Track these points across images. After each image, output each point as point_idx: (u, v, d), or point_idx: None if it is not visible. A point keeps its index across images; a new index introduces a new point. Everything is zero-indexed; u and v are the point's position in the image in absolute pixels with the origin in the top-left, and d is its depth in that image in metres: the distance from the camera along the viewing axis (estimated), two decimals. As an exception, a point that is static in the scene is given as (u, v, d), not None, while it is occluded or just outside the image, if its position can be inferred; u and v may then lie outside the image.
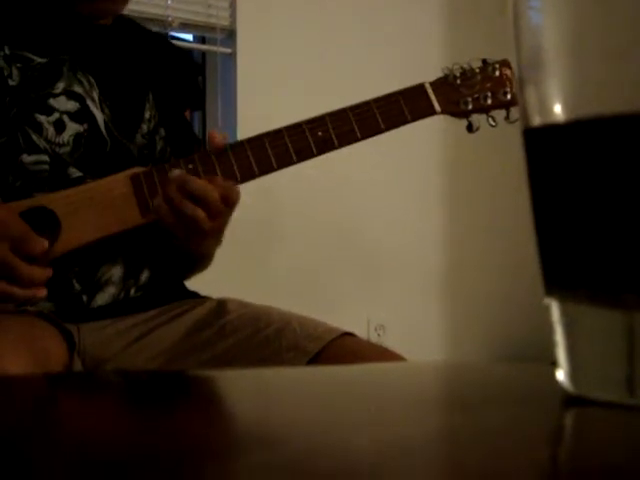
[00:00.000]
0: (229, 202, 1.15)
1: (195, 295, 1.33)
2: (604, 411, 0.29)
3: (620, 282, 0.28)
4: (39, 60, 1.21)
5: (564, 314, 0.31)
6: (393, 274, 2.84)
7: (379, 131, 1.23)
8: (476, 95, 1.26)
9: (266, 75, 2.63)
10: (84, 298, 1.19)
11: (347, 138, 1.21)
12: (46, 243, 1.10)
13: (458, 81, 1.26)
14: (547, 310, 0.31)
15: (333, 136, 1.21)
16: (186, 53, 1.49)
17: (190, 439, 0.26)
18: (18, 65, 1.20)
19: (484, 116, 1.28)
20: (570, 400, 0.31)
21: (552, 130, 0.30)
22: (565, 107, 0.29)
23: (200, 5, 2.57)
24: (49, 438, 0.27)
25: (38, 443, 0.25)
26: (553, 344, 0.31)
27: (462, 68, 1.27)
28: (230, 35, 2.63)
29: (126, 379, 0.46)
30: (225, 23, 2.62)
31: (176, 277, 1.33)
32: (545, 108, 0.30)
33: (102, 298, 1.20)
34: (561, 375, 0.31)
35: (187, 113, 1.45)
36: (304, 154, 1.20)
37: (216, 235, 1.22)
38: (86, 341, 1.17)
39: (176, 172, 1.15)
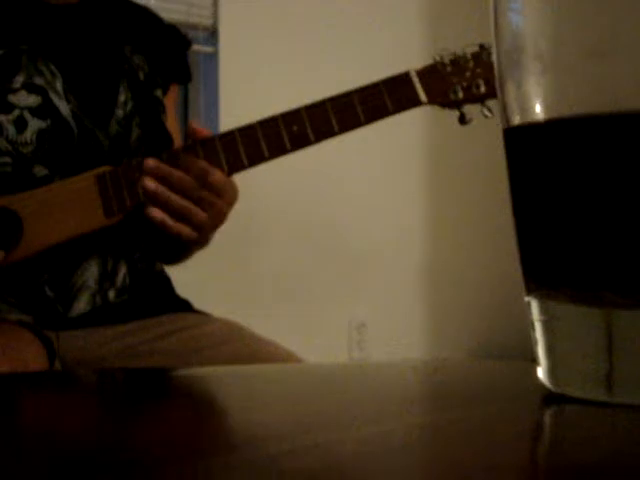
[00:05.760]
0: (207, 184, 1.10)
1: (186, 306, 1.26)
2: (583, 408, 0.29)
3: (599, 280, 0.29)
4: None
5: (544, 312, 0.31)
6: (374, 272, 2.84)
7: (358, 124, 1.14)
8: (467, 83, 1.15)
9: (248, 74, 2.62)
10: (59, 308, 1.13)
11: (324, 133, 1.14)
12: None
13: (448, 68, 1.15)
14: (528, 307, 0.32)
15: (309, 131, 1.13)
16: (172, 26, 1.36)
17: (171, 438, 0.26)
18: None
19: (477, 106, 1.16)
20: (550, 397, 0.31)
21: (532, 129, 0.30)
22: (545, 107, 0.30)
23: (182, 4, 2.56)
24: (19, 438, 0.26)
25: (7, 442, 0.25)
26: (533, 342, 0.32)
27: (454, 54, 1.15)
28: (212, 34, 2.63)
29: (104, 378, 0.45)
30: (207, 22, 2.61)
31: (157, 277, 1.28)
32: (525, 107, 0.30)
33: (79, 306, 1.15)
34: (541, 372, 0.31)
35: (175, 91, 1.36)
36: (278, 150, 1.14)
37: (215, 224, 1.15)
38: (66, 348, 1.12)
39: (150, 162, 1.10)
